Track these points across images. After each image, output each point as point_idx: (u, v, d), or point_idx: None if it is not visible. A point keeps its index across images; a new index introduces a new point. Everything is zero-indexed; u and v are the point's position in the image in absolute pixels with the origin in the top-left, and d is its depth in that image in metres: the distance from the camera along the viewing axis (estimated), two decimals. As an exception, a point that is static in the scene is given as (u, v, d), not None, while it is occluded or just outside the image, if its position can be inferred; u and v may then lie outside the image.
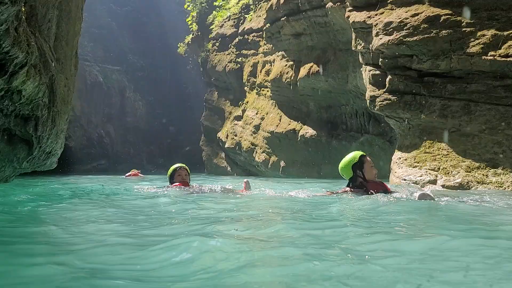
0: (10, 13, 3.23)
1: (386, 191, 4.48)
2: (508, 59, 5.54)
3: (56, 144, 5.86)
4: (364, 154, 4.69)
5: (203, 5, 21.27)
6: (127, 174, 16.68)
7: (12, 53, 3.54)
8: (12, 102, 3.97)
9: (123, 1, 30.48)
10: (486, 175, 5.51)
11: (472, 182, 5.57)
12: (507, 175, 5.36)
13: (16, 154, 4.52)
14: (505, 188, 5.22)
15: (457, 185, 5.68)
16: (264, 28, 14.34)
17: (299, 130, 13.50)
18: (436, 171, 6.22)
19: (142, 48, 29.80)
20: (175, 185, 5.86)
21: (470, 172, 5.72)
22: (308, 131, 13.21)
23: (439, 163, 6.25)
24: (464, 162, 5.87)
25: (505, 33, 5.72)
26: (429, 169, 6.36)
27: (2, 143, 4.27)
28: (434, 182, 6.11)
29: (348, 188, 4.62)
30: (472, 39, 5.94)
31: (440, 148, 6.39)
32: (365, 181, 4.50)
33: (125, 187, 7.58)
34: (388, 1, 7.41)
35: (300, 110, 13.94)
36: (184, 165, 6.37)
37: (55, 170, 7.89)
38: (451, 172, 5.95)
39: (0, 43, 3.33)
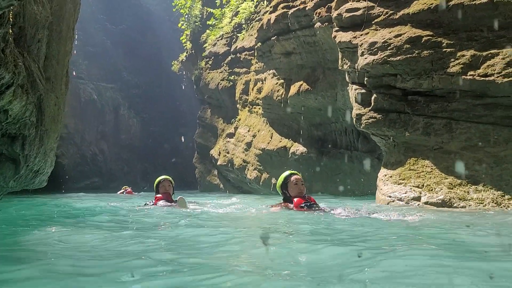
0: (-3, 36, 3.34)
1: (312, 204, 5.11)
2: (487, 78, 5.70)
3: (44, 162, 5.91)
4: (292, 173, 5.40)
5: (196, 24, 21.63)
6: (119, 192, 16.72)
7: (-2, 74, 3.64)
8: (-2, 122, 4.05)
9: (118, 19, 30.83)
10: (468, 192, 5.61)
11: (454, 199, 5.66)
12: (487, 191, 5.47)
13: (2, 173, 4.57)
14: (485, 205, 5.32)
15: (439, 201, 5.78)
16: (256, 47, 14.57)
17: (290, 147, 13.60)
18: (420, 188, 6.31)
19: (137, 65, 30.03)
20: (157, 198, 6.65)
21: (452, 189, 5.82)
22: (298, 148, 13.32)
23: (423, 180, 6.35)
24: (446, 179, 5.98)
25: (484, 53, 5.89)
26: (413, 186, 6.45)
27: (-12, 162, 4.33)
28: (418, 199, 6.20)
29: (281, 203, 5.37)
30: (452, 59, 6.11)
31: (424, 165, 6.49)
32: (291, 197, 5.21)
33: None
34: (373, 22, 7.61)
35: (291, 128, 14.07)
36: (168, 177, 7.10)
37: (47, 188, 7.89)
38: (434, 189, 6.05)
39: (-14, 65, 3.42)
